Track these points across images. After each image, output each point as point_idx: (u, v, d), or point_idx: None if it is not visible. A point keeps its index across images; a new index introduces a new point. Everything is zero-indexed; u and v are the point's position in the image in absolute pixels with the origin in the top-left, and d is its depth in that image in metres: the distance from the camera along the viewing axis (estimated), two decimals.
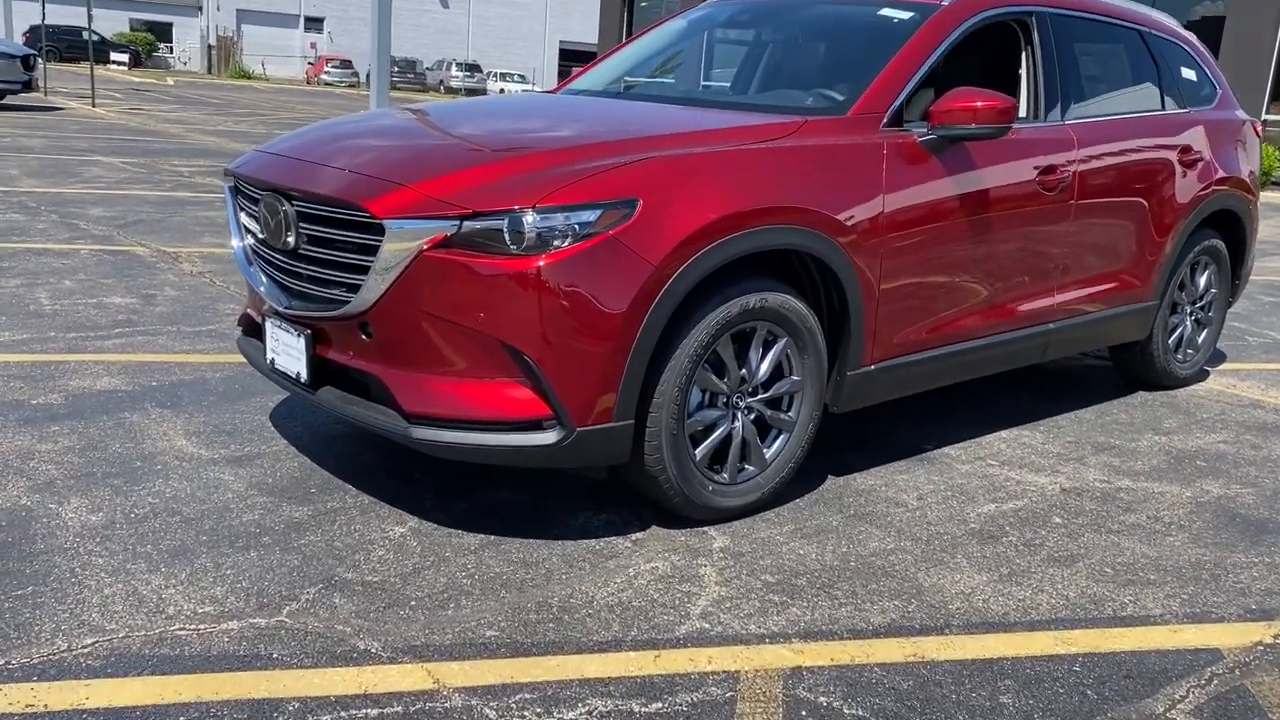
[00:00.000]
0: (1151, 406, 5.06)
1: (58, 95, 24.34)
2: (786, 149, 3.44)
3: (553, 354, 2.98)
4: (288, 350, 3.44)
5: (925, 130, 3.76)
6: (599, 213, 2.99)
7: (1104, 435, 4.59)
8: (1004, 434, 4.52)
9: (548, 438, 3.05)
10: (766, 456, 3.54)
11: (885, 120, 3.72)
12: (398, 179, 3.10)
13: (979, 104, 3.70)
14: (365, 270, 3.10)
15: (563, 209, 2.96)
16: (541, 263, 2.93)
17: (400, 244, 3.00)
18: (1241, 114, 5.55)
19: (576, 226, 2.97)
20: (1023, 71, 4.40)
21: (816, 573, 3.14)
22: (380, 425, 3.17)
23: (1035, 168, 4.16)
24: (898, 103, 3.76)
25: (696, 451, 3.35)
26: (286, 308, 3.39)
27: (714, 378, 3.34)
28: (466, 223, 2.96)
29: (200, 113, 22.97)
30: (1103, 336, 4.81)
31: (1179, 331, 5.31)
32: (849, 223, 3.48)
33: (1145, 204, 4.74)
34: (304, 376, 3.37)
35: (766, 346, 3.45)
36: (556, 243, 2.95)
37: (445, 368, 3.07)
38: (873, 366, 3.75)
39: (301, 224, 3.30)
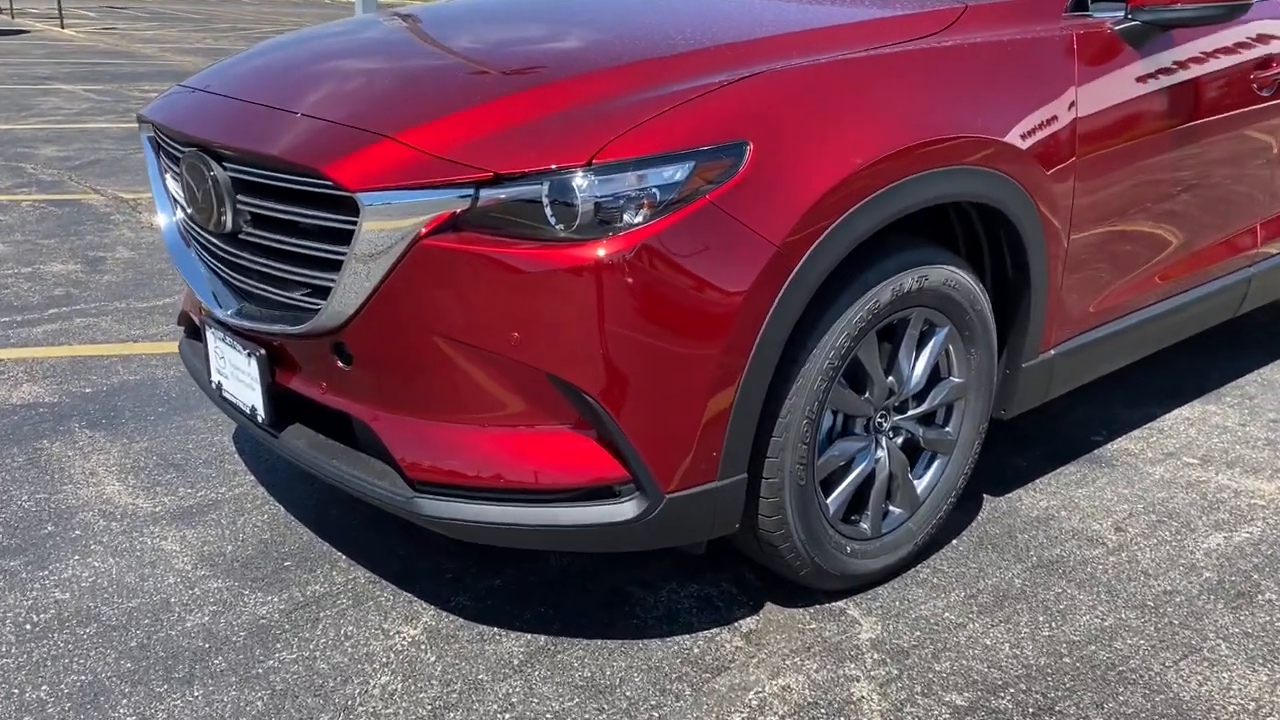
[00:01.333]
0: None
1: (26, 17, 22.86)
2: (947, 50, 2.34)
3: (628, 390, 1.95)
4: (237, 374, 2.41)
5: (1122, 14, 2.64)
6: (689, 167, 1.92)
7: None
8: (1185, 412, 3.48)
9: (624, 511, 2.03)
10: (918, 491, 2.52)
11: (1068, 4, 2.61)
12: (376, 126, 2.03)
13: None
14: (337, 266, 2.05)
15: (634, 164, 1.89)
16: (603, 251, 1.88)
17: (385, 226, 1.95)
18: None
19: (655, 192, 1.91)
20: None
21: (1021, 682, 2.14)
22: (372, 492, 2.16)
23: (1251, 60, 3.04)
24: None
25: (830, 499, 2.33)
26: (233, 315, 2.35)
27: (852, 394, 2.31)
28: (485, 191, 1.91)
29: (178, 30, 21.51)
30: None
31: None
32: (1034, 154, 2.39)
33: None
34: (261, 414, 2.35)
35: (921, 341, 2.41)
36: (626, 218, 1.89)
37: (464, 412, 2.04)
38: (1052, 352, 2.70)
39: (241, 197, 2.24)
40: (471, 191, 1.91)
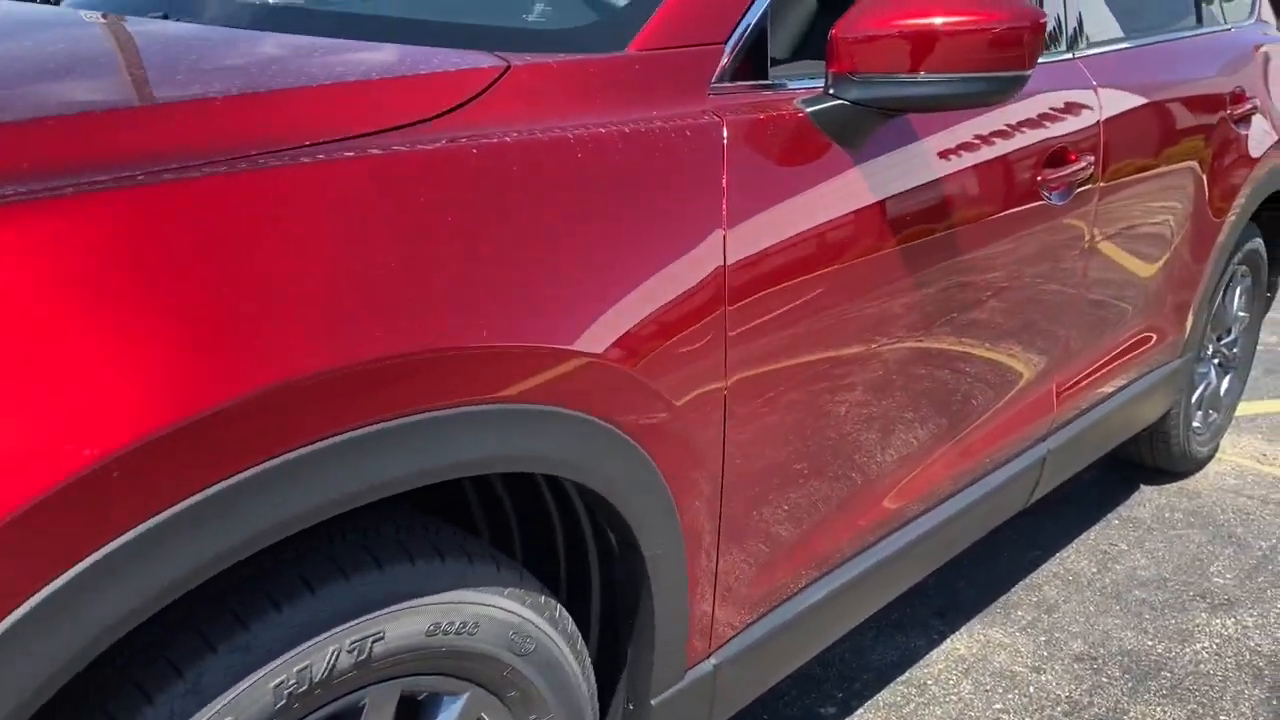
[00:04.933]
0: (1173, 527, 3.05)
1: None
2: (457, 157, 1.15)
3: None
4: None
5: (824, 90, 1.54)
6: None
7: (1131, 629, 2.54)
8: (959, 645, 2.43)
9: None
10: None
11: (723, 67, 1.48)
12: None
13: (940, 22, 1.49)
14: None
15: None
16: None
17: None
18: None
19: None
20: None
21: None
22: None
23: (1038, 150, 2.00)
24: (749, 22, 1.51)
25: None
26: None
27: None
28: None
29: None
30: (1116, 433, 2.74)
31: (1202, 389, 3.31)
32: (642, 360, 1.25)
33: (1191, 195, 2.66)
34: None
35: None
36: None
37: None
38: (712, 661, 1.57)
39: None
40: None
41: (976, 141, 1.83)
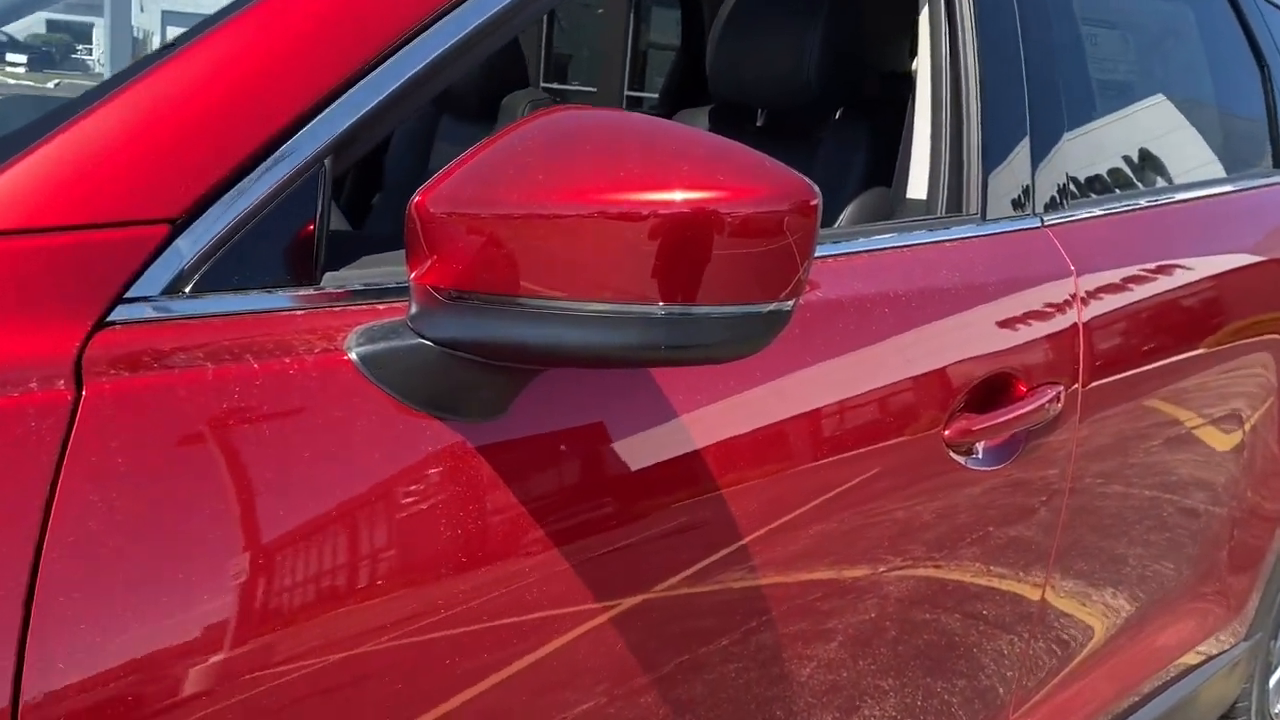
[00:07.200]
0: None
1: None
2: None
3: None
4: None
5: (406, 317, 0.80)
6: None
7: None
8: None
9: None
10: None
11: (182, 268, 0.74)
12: None
13: (640, 198, 0.69)
14: None
15: None
16: None
17: None
18: None
19: None
20: (923, 73, 1.42)
21: None
22: None
23: (938, 390, 1.19)
24: (268, 181, 0.77)
25: None
26: None
27: None
28: None
29: None
30: None
31: None
32: None
33: (1254, 414, 1.80)
34: None
35: None
36: None
37: None
38: None
39: None
40: None
41: (801, 381, 1.05)
